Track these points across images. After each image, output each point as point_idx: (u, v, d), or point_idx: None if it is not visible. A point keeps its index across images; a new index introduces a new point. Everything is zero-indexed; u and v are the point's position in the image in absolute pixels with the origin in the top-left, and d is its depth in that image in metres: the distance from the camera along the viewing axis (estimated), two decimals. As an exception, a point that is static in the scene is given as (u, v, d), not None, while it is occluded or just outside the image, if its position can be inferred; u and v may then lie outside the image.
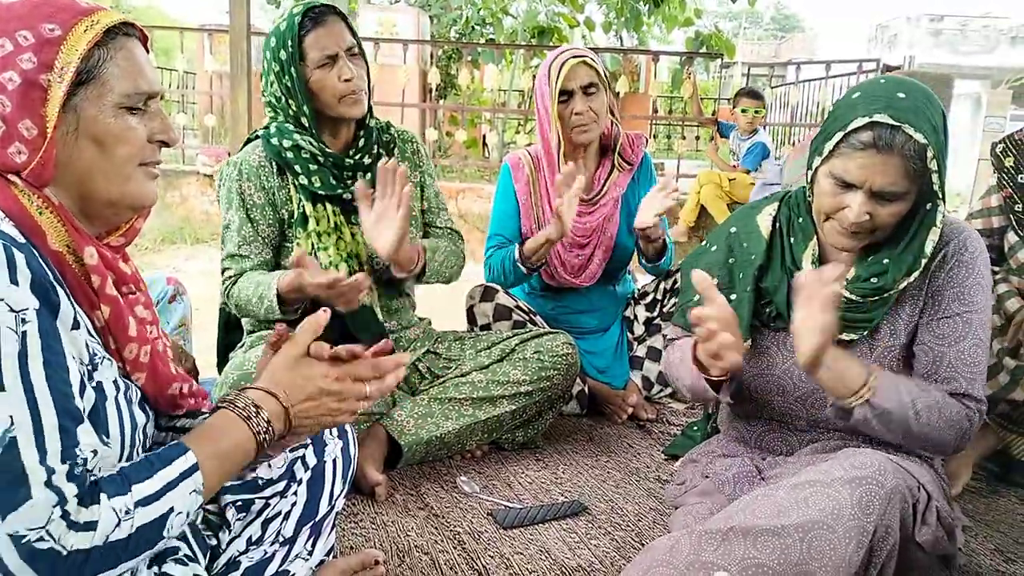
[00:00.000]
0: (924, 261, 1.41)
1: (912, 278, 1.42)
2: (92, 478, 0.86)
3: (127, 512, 0.85)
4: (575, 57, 2.34)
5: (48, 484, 0.80)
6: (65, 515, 0.80)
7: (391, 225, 1.83)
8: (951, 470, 1.94)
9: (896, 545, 1.24)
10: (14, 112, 0.90)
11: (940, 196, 1.38)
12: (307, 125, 1.96)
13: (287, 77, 1.92)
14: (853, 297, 1.46)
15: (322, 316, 1.08)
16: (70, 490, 0.81)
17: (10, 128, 0.90)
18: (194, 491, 0.93)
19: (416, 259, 1.99)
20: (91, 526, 0.82)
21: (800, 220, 1.54)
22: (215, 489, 0.99)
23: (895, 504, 1.23)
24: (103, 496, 0.84)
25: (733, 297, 1.57)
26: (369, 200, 1.86)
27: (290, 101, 1.94)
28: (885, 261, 1.43)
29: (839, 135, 1.36)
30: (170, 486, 0.90)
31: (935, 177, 1.34)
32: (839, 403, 1.39)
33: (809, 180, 1.47)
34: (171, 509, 0.90)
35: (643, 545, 1.70)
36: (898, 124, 1.30)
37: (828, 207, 1.41)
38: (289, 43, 1.90)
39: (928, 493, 1.30)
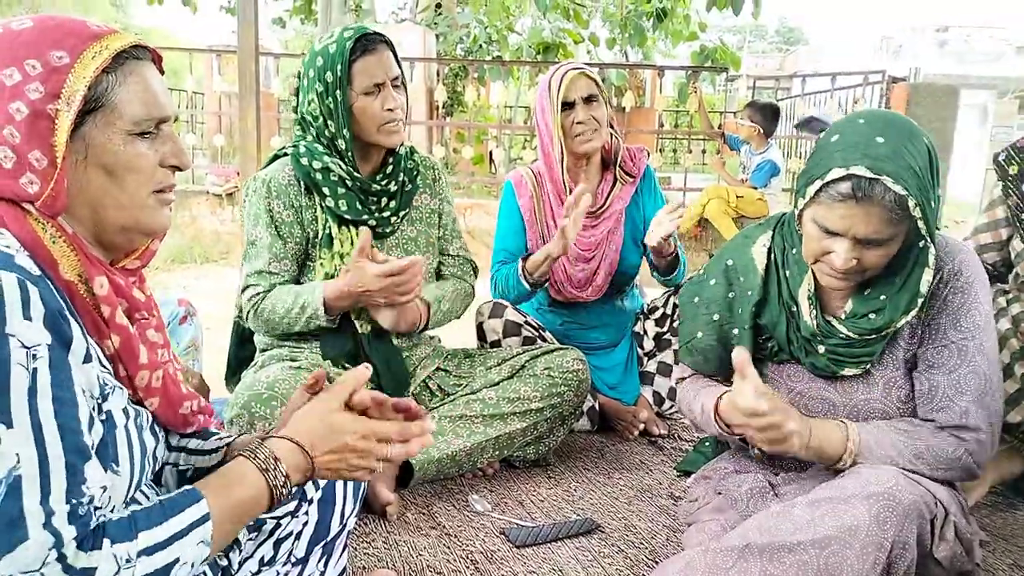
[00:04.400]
0: (921, 301, 1.39)
1: (910, 316, 1.41)
2: (99, 518, 0.84)
3: (128, 560, 0.83)
4: (574, 69, 2.37)
5: (46, 526, 0.78)
6: (61, 558, 0.78)
7: (387, 313, 1.94)
8: (967, 483, 1.92)
9: (914, 561, 1.23)
10: (23, 143, 0.89)
11: (929, 239, 1.36)
12: (343, 148, 1.97)
13: (330, 99, 1.92)
14: (851, 335, 1.44)
15: (364, 372, 1.07)
16: (68, 533, 0.79)
17: (21, 159, 0.89)
18: (202, 542, 0.90)
19: (419, 320, 2.02)
20: (89, 572, 0.79)
21: (794, 251, 1.52)
22: (224, 540, 0.96)
23: (912, 520, 1.22)
24: (106, 541, 0.82)
25: (735, 332, 1.57)
26: (365, 251, 1.86)
27: (329, 122, 1.95)
28: (882, 298, 1.42)
29: (819, 183, 1.34)
30: (179, 536, 0.88)
31: (920, 223, 1.31)
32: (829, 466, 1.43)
33: (797, 219, 1.46)
34: (177, 559, 0.87)
35: (657, 563, 1.68)
36: (877, 176, 1.27)
37: (815, 251, 1.40)
38: (338, 66, 1.90)
39: (945, 508, 1.29)
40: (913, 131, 1.34)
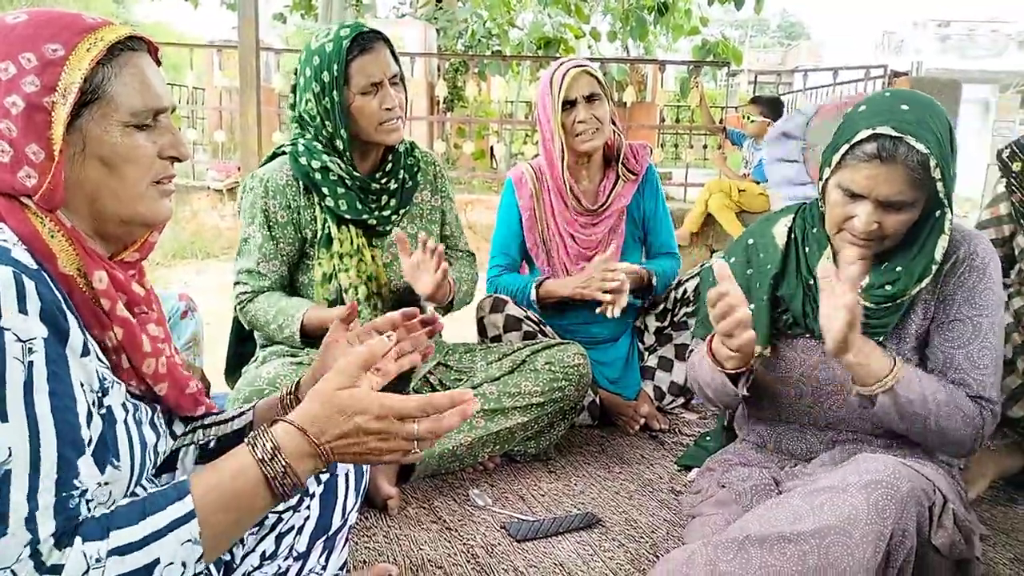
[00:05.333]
0: (935, 267, 1.44)
1: (924, 284, 1.45)
2: (88, 514, 0.83)
3: (98, 560, 0.80)
4: (576, 67, 2.36)
5: (28, 522, 0.77)
6: (35, 555, 0.77)
7: (429, 273, 1.89)
8: (968, 477, 1.92)
9: (913, 549, 1.23)
10: (20, 136, 0.89)
11: (947, 203, 1.41)
12: (341, 148, 1.96)
13: (327, 99, 1.91)
14: (868, 304, 1.48)
15: (381, 345, 0.96)
16: (47, 529, 0.78)
17: (18, 153, 0.89)
18: (188, 541, 0.85)
19: (448, 293, 2.00)
20: (57, 569, 0.78)
21: (815, 230, 1.57)
22: (224, 537, 0.90)
23: (911, 508, 1.23)
24: (77, 539, 0.80)
25: (751, 306, 1.58)
26: (406, 246, 1.89)
27: (326, 122, 1.94)
28: (898, 268, 1.46)
29: (845, 147, 1.40)
30: (157, 535, 0.83)
31: (940, 186, 1.37)
32: (862, 391, 1.41)
33: (820, 191, 1.51)
34: (156, 560, 0.82)
35: (657, 557, 1.69)
36: (900, 136, 1.34)
37: (838, 217, 1.44)
38: (335, 66, 1.89)
39: (944, 496, 1.29)
40: (935, 105, 1.41)
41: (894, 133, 1.34)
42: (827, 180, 1.46)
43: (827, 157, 1.47)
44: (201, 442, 1.17)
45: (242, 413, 1.19)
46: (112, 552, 0.81)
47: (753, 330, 1.51)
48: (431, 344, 1.14)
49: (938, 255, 1.43)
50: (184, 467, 1.17)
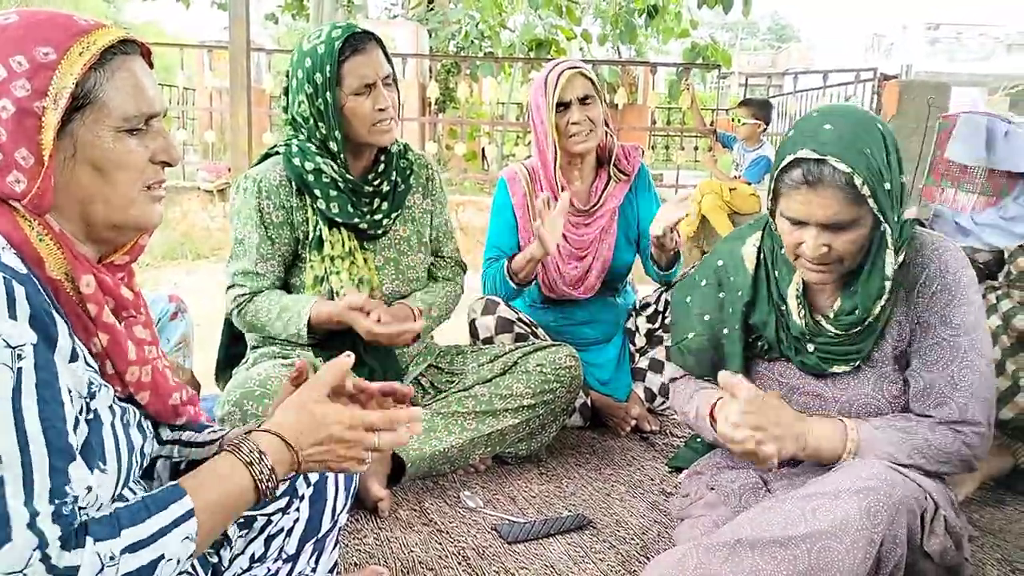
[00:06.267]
0: (888, 284, 1.40)
1: (884, 301, 1.42)
2: (82, 518, 0.83)
3: (112, 558, 0.82)
4: (570, 68, 2.35)
5: (31, 526, 0.77)
6: (45, 559, 0.78)
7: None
8: (957, 479, 1.93)
9: (904, 556, 1.24)
10: (10, 141, 0.88)
11: (885, 218, 1.36)
12: (335, 149, 1.95)
13: (320, 100, 1.90)
14: (837, 331, 1.46)
15: (346, 361, 1.05)
16: (52, 532, 0.79)
17: (7, 157, 0.88)
18: (187, 538, 0.90)
19: (415, 336, 1.96)
20: (72, 571, 0.79)
21: (782, 251, 1.53)
22: (210, 536, 0.95)
23: (902, 514, 1.23)
24: (89, 540, 0.81)
25: (726, 331, 1.58)
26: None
27: (320, 124, 1.93)
28: (858, 290, 1.44)
29: (775, 174, 1.39)
30: (162, 532, 0.87)
31: (871, 202, 1.33)
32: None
33: (771, 217, 1.49)
34: (161, 556, 0.87)
35: (648, 559, 1.69)
36: (822, 157, 1.31)
37: (789, 245, 1.43)
38: (327, 67, 1.88)
39: (935, 502, 1.30)
40: (865, 119, 1.37)
41: (815, 155, 1.31)
42: (773, 209, 1.44)
43: (769, 185, 1.45)
44: (174, 459, 1.17)
45: (213, 441, 1.18)
46: (125, 550, 0.84)
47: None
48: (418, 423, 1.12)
49: (888, 271, 1.39)
50: (160, 478, 1.17)
